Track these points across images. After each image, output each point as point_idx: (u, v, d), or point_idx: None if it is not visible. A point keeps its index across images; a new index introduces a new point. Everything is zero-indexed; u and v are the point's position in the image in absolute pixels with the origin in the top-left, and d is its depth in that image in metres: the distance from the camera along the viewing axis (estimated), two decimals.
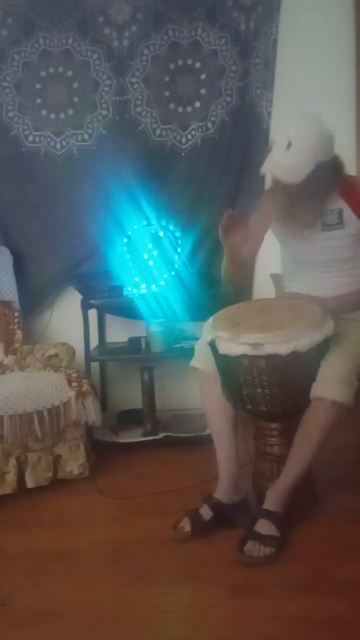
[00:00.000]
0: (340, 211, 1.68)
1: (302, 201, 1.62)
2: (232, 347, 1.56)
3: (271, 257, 1.98)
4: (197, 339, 1.82)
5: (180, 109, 2.57)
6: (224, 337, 1.58)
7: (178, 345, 2.47)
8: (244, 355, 1.55)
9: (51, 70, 2.56)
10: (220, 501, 1.72)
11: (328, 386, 1.54)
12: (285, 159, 1.58)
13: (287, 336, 1.51)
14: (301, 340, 1.51)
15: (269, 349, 1.52)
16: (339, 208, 1.69)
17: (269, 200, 1.76)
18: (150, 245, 2.57)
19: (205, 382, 1.76)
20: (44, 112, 2.58)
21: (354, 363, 1.57)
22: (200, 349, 1.76)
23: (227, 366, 1.63)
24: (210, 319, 1.70)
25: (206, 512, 1.70)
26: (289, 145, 1.56)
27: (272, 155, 1.62)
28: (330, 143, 1.62)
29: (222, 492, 1.73)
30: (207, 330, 1.67)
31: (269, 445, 1.75)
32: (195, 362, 1.79)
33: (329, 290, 1.73)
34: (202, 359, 1.74)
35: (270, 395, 1.60)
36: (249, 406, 1.67)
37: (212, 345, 1.62)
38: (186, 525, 1.68)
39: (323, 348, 1.57)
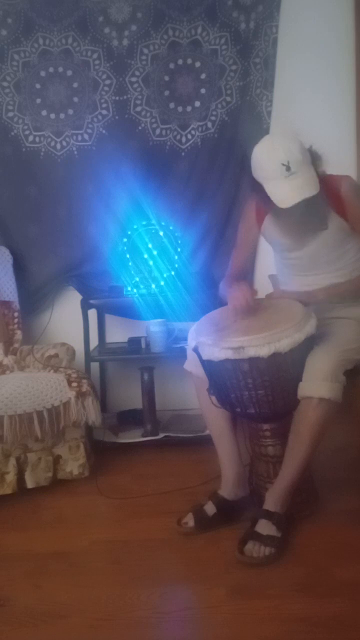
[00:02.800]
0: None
1: (310, 208, 1.62)
2: (215, 352, 1.56)
3: (270, 258, 1.99)
4: None
5: (180, 109, 2.57)
6: (206, 342, 1.59)
7: (178, 345, 2.46)
8: (227, 360, 1.55)
9: (51, 70, 2.56)
10: (224, 498, 1.74)
11: (314, 384, 1.53)
12: (296, 180, 1.54)
13: (267, 338, 1.51)
14: (282, 341, 1.50)
15: (250, 352, 1.51)
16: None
17: (252, 210, 1.81)
18: (150, 245, 2.57)
19: (200, 386, 1.76)
20: (44, 112, 2.58)
21: (339, 358, 1.57)
22: (192, 353, 1.75)
23: (212, 371, 1.64)
24: (195, 324, 1.71)
25: (210, 508, 1.72)
26: (288, 168, 1.53)
27: (279, 188, 1.56)
28: (302, 141, 1.59)
29: (226, 491, 1.75)
30: (192, 335, 1.68)
31: (263, 446, 1.75)
32: (188, 365, 1.79)
33: None
34: (194, 363, 1.73)
35: (257, 398, 1.60)
36: (238, 409, 1.67)
37: (197, 350, 1.62)
38: (190, 520, 1.70)
39: (307, 347, 1.57)
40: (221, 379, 1.63)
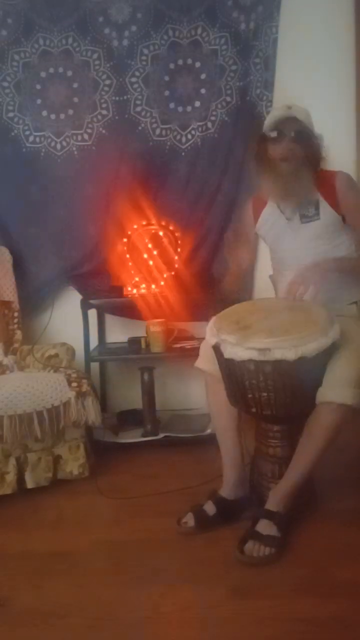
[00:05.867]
0: (316, 202, 1.76)
1: (300, 173, 1.71)
2: (239, 351, 1.53)
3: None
4: (197, 339, 1.82)
5: (180, 109, 2.57)
6: (229, 341, 1.56)
7: (178, 345, 2.46)
8: (250, 360, 1.52)
9: (51, 70, 2.56)
10: (224, 498, 1.74)
11: (335, 390, 1.53)
12: (288, 111, 1.77)
13: (295, 341, 1.49)
14: (309, 345, 1.49)
15: (276, 354, 1.49)
16: (315, 199, 1.76)
17: (249, 207, 1.90)
18: (150, 245, 2.57)
19: (210, 383, 1.76)
20: (44, 113, 2.58)
21: None
22: (205, 350, 1.76)
23: (232, 370, 1.61)
24: (214, 320, 1.67)
25: (210, 508, 1.72)
26: (289, 107, 1.76)
27: (274, 112, 1.80)
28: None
29: (227, 490, 1.75)
30: (211, 332, 1.65)
31: (271, 446, 1.75)
32: (199, 363, 1.79)
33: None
34: (206, 360, 1.73)
35: (275, 400, 1.59)
36: (254, 410, 1.65)
37: (217, 348, 1.61)
38: (190, 520, 1.70)
39: (329, 351, 1.55)
40: (240, 379, 1.61)
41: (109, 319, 2.77)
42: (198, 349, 1.84)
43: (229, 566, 1.51)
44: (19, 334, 2.49)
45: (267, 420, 1.73)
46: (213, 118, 2.56)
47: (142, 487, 2.03)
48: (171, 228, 2.58)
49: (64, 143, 2.60)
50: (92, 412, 2.09)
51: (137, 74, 2.55)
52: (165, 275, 2.55)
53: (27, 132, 2.60)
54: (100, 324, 2.75)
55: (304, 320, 1.57)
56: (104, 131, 2.58)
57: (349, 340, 1.60)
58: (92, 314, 2.61)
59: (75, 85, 2.56)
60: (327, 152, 1.78)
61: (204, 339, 1.74)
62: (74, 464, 2.10)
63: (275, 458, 1.74)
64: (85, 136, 2.59)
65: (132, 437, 2.43)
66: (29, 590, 1.48)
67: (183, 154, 2.60)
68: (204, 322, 1.75)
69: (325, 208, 1.74)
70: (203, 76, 2.54)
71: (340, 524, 1.69)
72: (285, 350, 1.49)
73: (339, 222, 1.74)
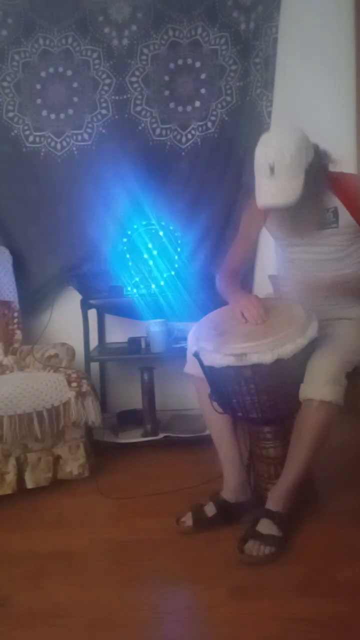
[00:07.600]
0: (335, 209, 1.67)
1: (305, 207, 1.59)
2: (216, 358, 1.53)
3: (270, 258, 1.98)
4: None
5: (180, 109, 2.57)
6: (207, 348, 1.56)
7: (178, 346, 2.46)
8: (229, 367, 1.52)
9: (51, 70, 2.56)
10: (225, 500, 1.73)
11: (315, 387, 1.52)
12: (273, 184, 1.53)
13: (271, 344, 1.49)
14: (285, 347, 1.48)
15: (253, 359, 1.49)
16: (334, 206, 1.67)
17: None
18: (150, 245, 2.57)
19: (200, 387, 1.74)
20: (44, 113, 2.58)
21: (342, 361, 1.56)
22: (191, 355, 1.74)
23: (214, 377, 1.62)
24: (194, 328, 1.68)
25: (210, 509, 1.72)
26: (272, 170, 1.52)
27: (259, 187, 1.57)
28: (307, 140, 1.58)
29: (228, 493, 1.74)
30: (191, 340, 1.66)
31: (264, 448, 1.75)
32: (188, 368, 1.77)
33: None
34: (194, 365, 1.70)
35: (259, 403, 1.59)
36: (240, 414, 1.66)
37: (198, 356, 1.60)
38: (188, 519, 1.70)
39: (309, 350, 1.55)
40: (223, 385, 1.61)
41: (109, 319, 2.77)
42: None
43: (229, 566, 1.51)
44: (18, 334, 2.49)
45: (256, 423, 1.72)
46: (213, 118, 2.56)
47: (142, 487, 2.03)
48: (171, 228, 2.58)
49: (64, 143, 2.60)
50: (92, 412, 2.09)
51: (137, 73, 2.55)
52: (165, 275, 2.55)
53: (27, 132, 2.60)
54: (100, 324, 2.75)
55: (280, 322, 1.56)
56: (104, 131, 2.58)
57: (332, 337, 1.59)
58: (92, 314, 2.61)
59: (75, 84, 2.56)
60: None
61: None
62: (73, 464, 2.10)
63: (270, 459, 1.74)
64: (85, 135, 2.60)
65: (132, 437, 2.43)
66: (29, 590, 1.48)
67: (183, 153, 2.60)
68: None
69: (344, 215, 1.66)
70: (203, 76, 2.55)
71: (340, 524, 1.69)
72: (262, 354, 1.48)
73: (357, 229, 1.67)
